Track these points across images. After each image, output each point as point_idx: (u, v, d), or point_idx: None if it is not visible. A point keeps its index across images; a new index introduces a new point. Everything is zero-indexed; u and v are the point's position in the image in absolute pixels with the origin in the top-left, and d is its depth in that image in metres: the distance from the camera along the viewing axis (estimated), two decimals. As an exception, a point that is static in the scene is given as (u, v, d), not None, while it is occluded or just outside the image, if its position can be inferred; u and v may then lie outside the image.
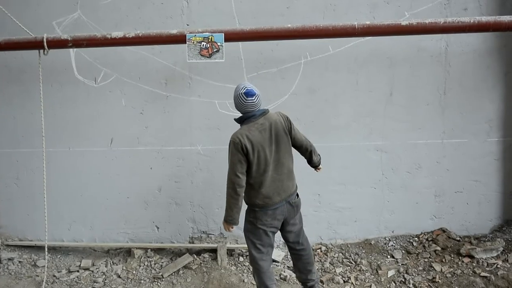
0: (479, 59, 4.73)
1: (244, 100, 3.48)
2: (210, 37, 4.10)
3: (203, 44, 4.10)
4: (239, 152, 3.44)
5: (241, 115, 3.61)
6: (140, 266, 4.79)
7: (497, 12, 4.66)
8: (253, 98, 3.49)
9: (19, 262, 4.87)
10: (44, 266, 4.61)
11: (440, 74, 4.72)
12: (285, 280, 4.49)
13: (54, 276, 4.68)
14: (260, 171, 3.52)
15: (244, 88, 3.50)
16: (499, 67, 4.77)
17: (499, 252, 4.61)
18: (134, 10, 4.82)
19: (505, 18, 4.00)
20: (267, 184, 3.56)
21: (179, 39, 4.15)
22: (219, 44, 4.10)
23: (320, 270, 4.61)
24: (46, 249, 4.41)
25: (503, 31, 4.18)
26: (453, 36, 4.68)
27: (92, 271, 4.73)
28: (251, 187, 3.58)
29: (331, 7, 4.75)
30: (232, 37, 4.15)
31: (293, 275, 4.52)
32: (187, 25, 4.80)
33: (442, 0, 4.69)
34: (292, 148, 3.77)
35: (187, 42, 4.10)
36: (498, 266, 4.45)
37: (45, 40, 4.15)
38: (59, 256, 4.99)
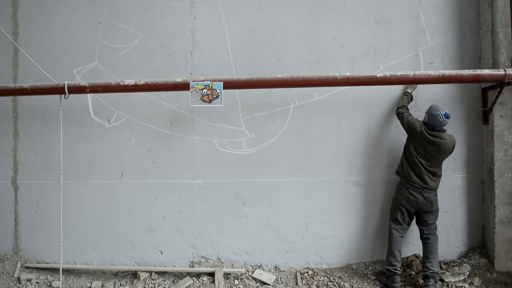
0: (443, 106, 4.69)
1: (442, 119, 4.32)
2: (210, 85, 4.30)
3: (204, 91, 4.30)
4: (415, 122, 4.47)
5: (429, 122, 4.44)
6: (145, 287, 4.80)
7: (458, 66, 4.86)
8: (447, 120, 4.35)
9: (37, 282, 4.86)
10: (59, 286, 4.63)
11: (410, 119, 4.82)
12: (275, 301, 4.52)
13: (67, 296, 4.71)
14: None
15: (444, 111, 4.33)
16: (462, 113, 4.91)
17: (465, 276, 4.66)
18: (144, 60, 4.99)
19: (465, 72, 4.29)
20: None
21: (184, 86, 4.35)
22: (218, 91, 4.30)
23: (307, 292, 4.62)
24: (61, 271, 4.45)
25: (463, 82, 4.48)
26: (422, 86, 4.83)
27: (102, 292, 4.74)
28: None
29: (316, 60, 4.94)
30: (230, 85, 4.36)
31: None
32: (191, 74, 4.96)
33: (411, 55, 4.90)
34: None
35: (190, 89, 4.30)
36: (465, 289, 4.51)
37: (66, 86, 4.34)
38: (72, 277, 4.97)
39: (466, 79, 4.32)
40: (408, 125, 4.50)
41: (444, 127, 4.43)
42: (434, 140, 4.38)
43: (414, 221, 4.71)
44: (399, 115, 4.61)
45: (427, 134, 4.39)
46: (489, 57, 4.73)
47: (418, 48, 4.92)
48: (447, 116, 4.33)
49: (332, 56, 4.96)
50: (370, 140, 4.97)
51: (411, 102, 4.80)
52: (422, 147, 4.42)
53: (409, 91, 4.77)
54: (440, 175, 4.56)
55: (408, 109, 4.63)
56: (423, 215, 4.56)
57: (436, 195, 4.54)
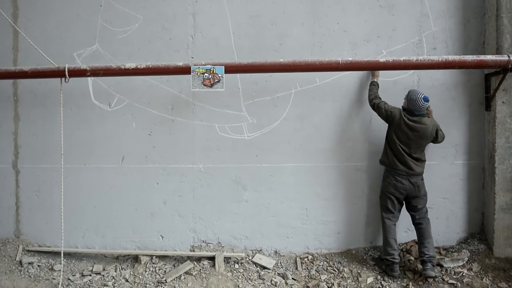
0: (446, 92, 4.82)
1: (421, 103, 4.24)
2: (212, 69, 4.23)
3: (205, 75, 4.23)
4: (393, 110, 4.41)
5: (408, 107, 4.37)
6: (146, 271, 4.78)
7: (461, 52, 4.78)
8: (426, 104, 4.28)
9: (38, 266, 4.86)
10: (60, 270, 4.63)
11: (413, 104, 4.77)
12: (275, 286, 4.52)
13: (69, 279, 4.68)
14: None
15: (422, 95, 4.26)
16: (464, 99, 4.85)
17: (464, 262, 4.65)
18: (145, 44, 4.91)
19: (468, 58, 4.21)
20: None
21: (185, 70, 4.28)
22: (219, 75, 4.24)
23: (306, 277, 4.62)
24: (62, 255, 4.46)
25: (466, 68, 4.38)
26: (424, 72, 4.78)
27: (103, 276, 4.73)
28: None
29: (318, 44, 4.86)
30: (231, 69, 4.30)
31: (283, 281, 4.57)
32: (192, 58, 4.88)
33: (414, 40, 4.82)
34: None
35: (191, 73, 4.23)
36: (464, 274, 4.51)
37: (66, 69, 4.28)
38: (73, 261, 4.97)
39: (469, 64, 4.24)
40: (387, 115, 4.44)
41: (424, 112, 4.35)
42: (415, 125, 4.33)
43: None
44: (375, 106, 4.52)
45: (407, 120, 4.34)
46: (493, 43, 4.63)
47: (421, 33, 4.83)
48: (426, 100, 4.26)
49: (335, 41, 4.87)
50: (372, 126, 4.91)
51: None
52: (404, 134, 4.36)
53: (375, 80, 4.69)
54: (424, 160, 4.52)
55: (380, 98, 4.55)
56: (412, 200, 4.52)
57: (422, 179, 4.51)
